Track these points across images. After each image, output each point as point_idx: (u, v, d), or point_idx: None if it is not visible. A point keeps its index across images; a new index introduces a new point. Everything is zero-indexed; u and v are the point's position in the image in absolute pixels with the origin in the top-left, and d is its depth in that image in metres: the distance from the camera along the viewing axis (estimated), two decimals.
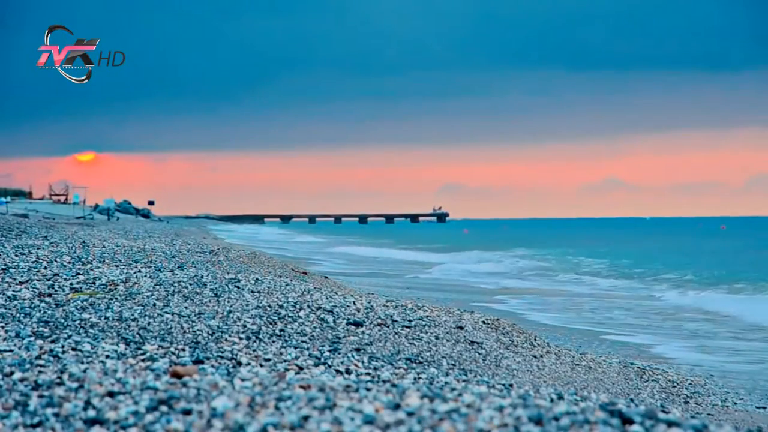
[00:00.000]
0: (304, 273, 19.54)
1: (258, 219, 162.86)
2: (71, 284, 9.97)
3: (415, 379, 6.56)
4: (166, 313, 8.70)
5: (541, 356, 10.11)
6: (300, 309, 9.55)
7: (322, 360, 6.90)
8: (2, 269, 11.05)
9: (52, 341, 6.17)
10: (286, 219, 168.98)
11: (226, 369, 5.61)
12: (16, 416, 4.01)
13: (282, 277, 14.02)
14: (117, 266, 12.30)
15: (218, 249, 20.52)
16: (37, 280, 10.21)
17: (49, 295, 9.24)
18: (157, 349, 6.26)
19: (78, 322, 7.96)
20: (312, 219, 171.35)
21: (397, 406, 3.99)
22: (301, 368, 6.52)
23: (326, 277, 20.74)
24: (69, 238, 20.53)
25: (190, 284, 10.48)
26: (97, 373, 4.76)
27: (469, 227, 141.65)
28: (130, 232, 32.63)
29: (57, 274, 10.68)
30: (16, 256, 12.95)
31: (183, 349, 6.39)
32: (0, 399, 4.23)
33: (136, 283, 10.29)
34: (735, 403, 9.81)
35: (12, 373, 4.80)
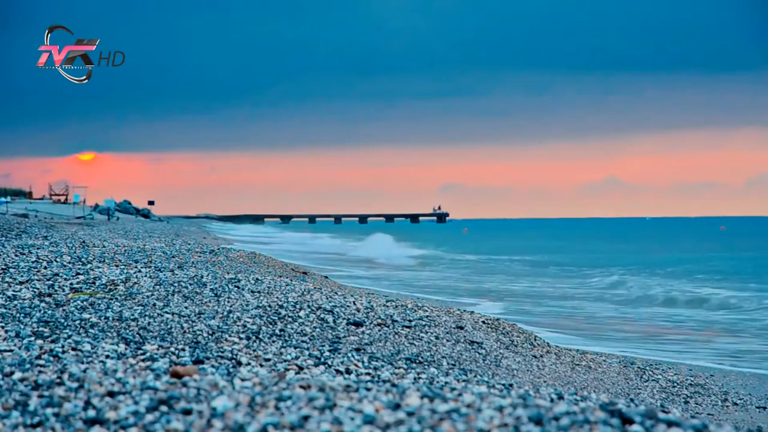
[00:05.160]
0: (304, 273, 19.54)
1: (258, 219, 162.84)
2: (71, 284, 9.97)
3: (415, 379, 6.56)
4: (166, 313, 8.70)
5: (541, 356, 10.11)
6: (300, 309, 9.56)
7: (322, 360, 6.90)
8: (2, 269, 11.05)
9: (52, 341, 6.17)
10: (286, 219, 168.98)
11: (226, 369, 5.62)
12: (16, 416, 4.02)
13: (282, 277, 14.02)
14: (117, 266, 12.30)
15: (218, 249, 20.52)
16: (37, 280, 10.21)
17: (49, 295, 9.24)
18: (157, 349, 6.26)
19: (78, 322, 7.96)
20: (312, 219, 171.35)
21: (397, 406, 3.99)
22: (301, 368, 6.52)
23: (326, 277, 20.75)
24: (69, 238, 20.53)
25: (190, 284, 10.48)
26: (97, 373, 4.76)
27: (469, 227, 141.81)
28: (130, 232, 32.64)
29: (57, 274, 10.68)
30: (16, 256, 12.95)
31: (183, 349, 6.39)
32: (0, 399, 4.23)
33: (136, 283, 10.29)
34: (735, 403, 9.81)
35: (12, 373, 4.80)
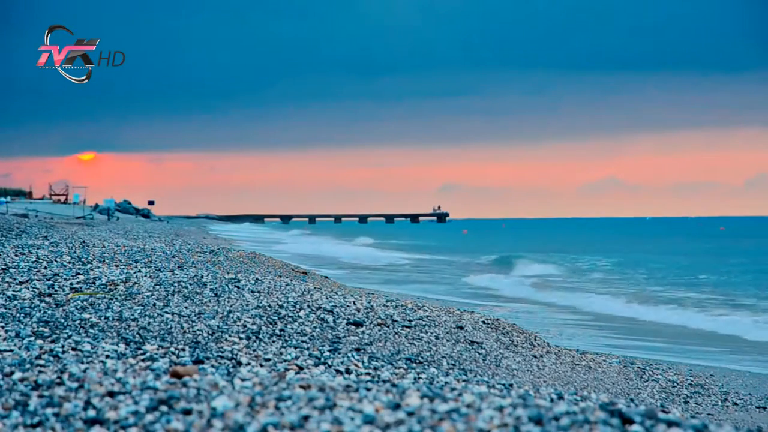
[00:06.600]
0: (304, 273, 19.53)
1: (258, 219, 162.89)
2: (71, 284, 9.97)
3: (415, 379, 6.56)
4: (166, 313, 8.70)
5: (541, 356, 10.11)
6: (300, 309, 9.56)
7: (322, 360, 6.90)
8: (2, 269, 11.05)
9: (52, 341, 6.17)
10: (286, 219, 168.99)
11: (226, 369, 5.62)
12: (16, 416, 4.02)
13: (282, 277, 14.02)
14: (117, 266, 12.30)
15: (218, 249, 20.51)
16: (37, 280, 10.21)
17: (49, 295, 9.24)
18: (157, 349, 6.26)
19: (78, 322, 7.96)
20: (312, 219, 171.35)
21: (397, 406, 3.99)
22: (301, 368, 6.52)
23: (326, 278, 20.74)
24: (69, 238, 20.52)
25: (190, 284, 10.48)
26: (97, 373, 4.76)
27: (469, 227, 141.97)
28: (130, 232, 32.64)
29: (57, 274, 10.68)
30: (16, 256, 12.95)
31: (183, 349, 6.39)
32: (0, 399, 4.23)
33: (136, 283, 10.29)
34: (735, 403, 9.81)
35: (12, 373, 4.80)
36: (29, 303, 8.78)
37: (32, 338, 6.27)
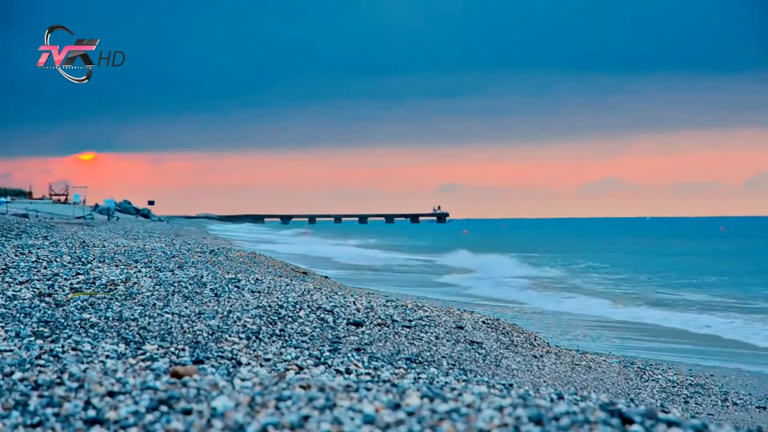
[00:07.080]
0: (304, 273, 19.52)
1: (258, 219, 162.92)
2: (71, 284, 9.97)
3: (415, 379, 6.56)
4: (166, 313, 8.70)
5: (541, 356, 10.11)
6: (300, 309, 9.56)
7: (322, 360, 6.90)
8: (2, 269, 11.04)
9: (52, 341, 6.18)
10: (286, 219, 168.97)
11: (226, 369, 5.62)
12: (16, 416, 4.02)
13: (282, 277, 14.02)
14: (117, 266, 12.30)
15: (218, 249, 20.51)
16: (37, 280, 10.21)
17: (49, 295, 9.24)
18: (157, 349, 6.26)
19: (78, 322, 7.96)
20: (312, 219, 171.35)
21: (397, 406, 3.99)
22: (301, 368, 6.52)
23: (326, 278, 20.74)
24: (69, 238, 20.52)
25: (190, 284, 10.48)
26: (97, 373, 4.76)
27: (469, 227, 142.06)
28: (130, 232, 32.64)
29: (57, 274, 10.68)
30: (16, 256, 12.95)
31: (183, 349, 6.39)
32: (0, 399, 4.23)
33: (136, 283, 10.29)
34: (735, 403, 9.81)
35: (12, 373, 4.80)
36: (29, 303, 8.78)
37: (32, 338, 6.27)
